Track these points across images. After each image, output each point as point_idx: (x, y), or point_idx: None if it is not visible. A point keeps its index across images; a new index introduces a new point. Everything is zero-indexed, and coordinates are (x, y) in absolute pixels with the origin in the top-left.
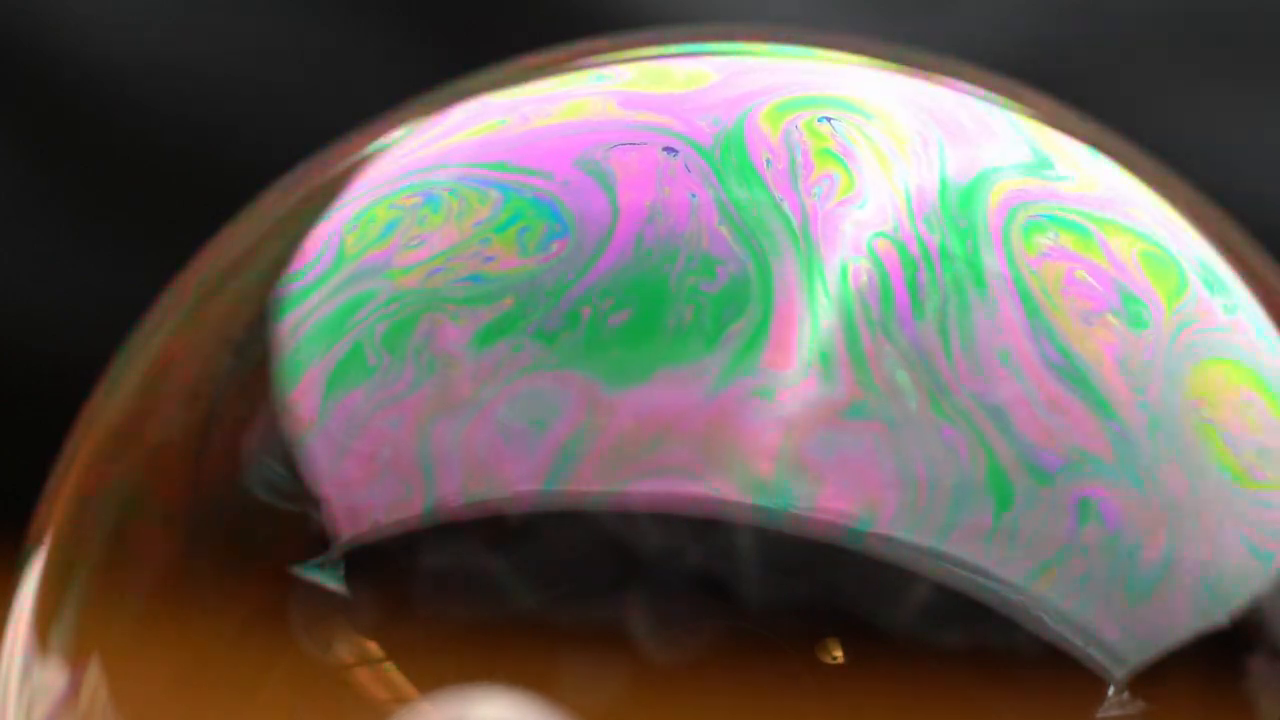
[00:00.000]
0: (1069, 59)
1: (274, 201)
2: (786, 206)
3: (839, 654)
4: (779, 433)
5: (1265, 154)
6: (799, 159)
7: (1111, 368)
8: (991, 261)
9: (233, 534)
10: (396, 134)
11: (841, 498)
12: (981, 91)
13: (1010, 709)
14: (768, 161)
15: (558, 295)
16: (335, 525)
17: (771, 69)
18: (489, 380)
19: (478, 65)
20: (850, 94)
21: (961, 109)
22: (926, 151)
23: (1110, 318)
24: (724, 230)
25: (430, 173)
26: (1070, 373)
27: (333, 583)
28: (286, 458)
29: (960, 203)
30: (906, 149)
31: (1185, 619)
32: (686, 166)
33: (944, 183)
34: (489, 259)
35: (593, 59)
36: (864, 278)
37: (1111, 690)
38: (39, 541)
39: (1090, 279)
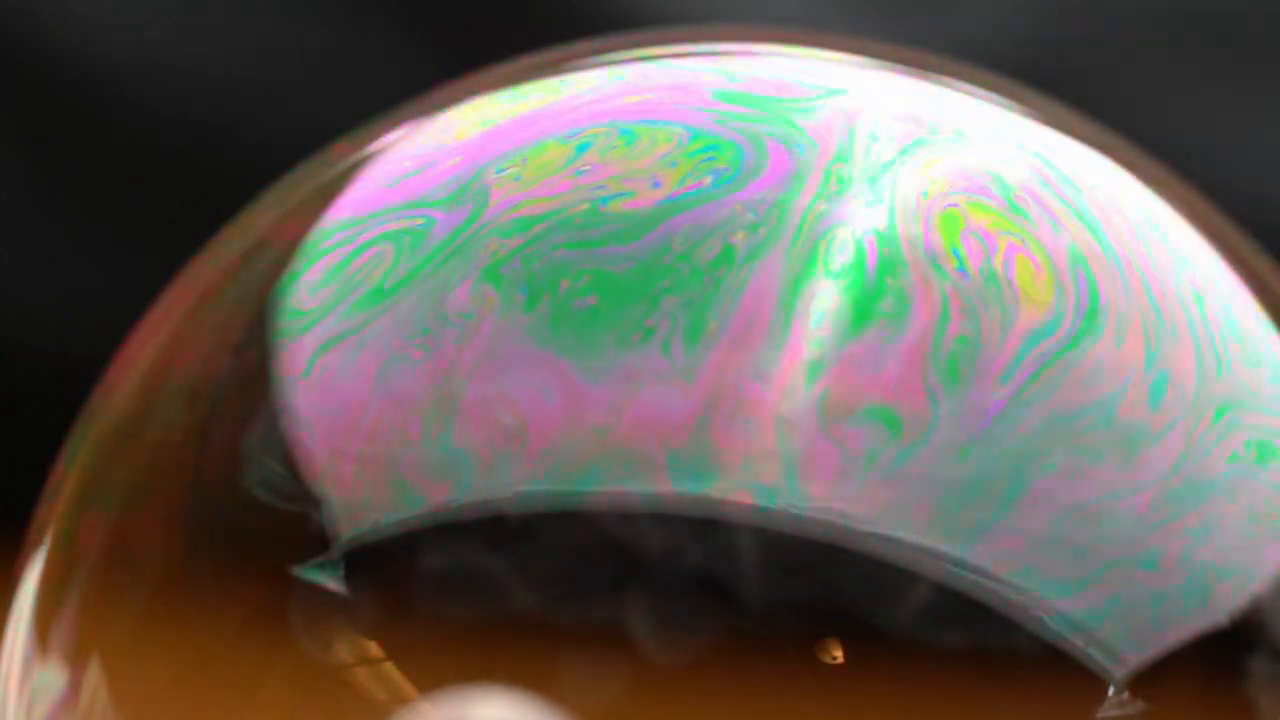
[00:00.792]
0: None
1: (276, 200)
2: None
3: (839, 654)
4: (780, 432)
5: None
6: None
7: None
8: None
9: (233, 534)
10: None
11: (841, 497)
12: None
13: (1010, 709)
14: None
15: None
16: (335, 525)
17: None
18: (489, 380)
19: (478, 65)
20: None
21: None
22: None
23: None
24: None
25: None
26: (1071, 373)
27: (332, 583)
28: (286, 457)
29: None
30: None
31: (1185, 619)
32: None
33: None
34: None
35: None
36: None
37: (1111, 690)
38: (39, 541)
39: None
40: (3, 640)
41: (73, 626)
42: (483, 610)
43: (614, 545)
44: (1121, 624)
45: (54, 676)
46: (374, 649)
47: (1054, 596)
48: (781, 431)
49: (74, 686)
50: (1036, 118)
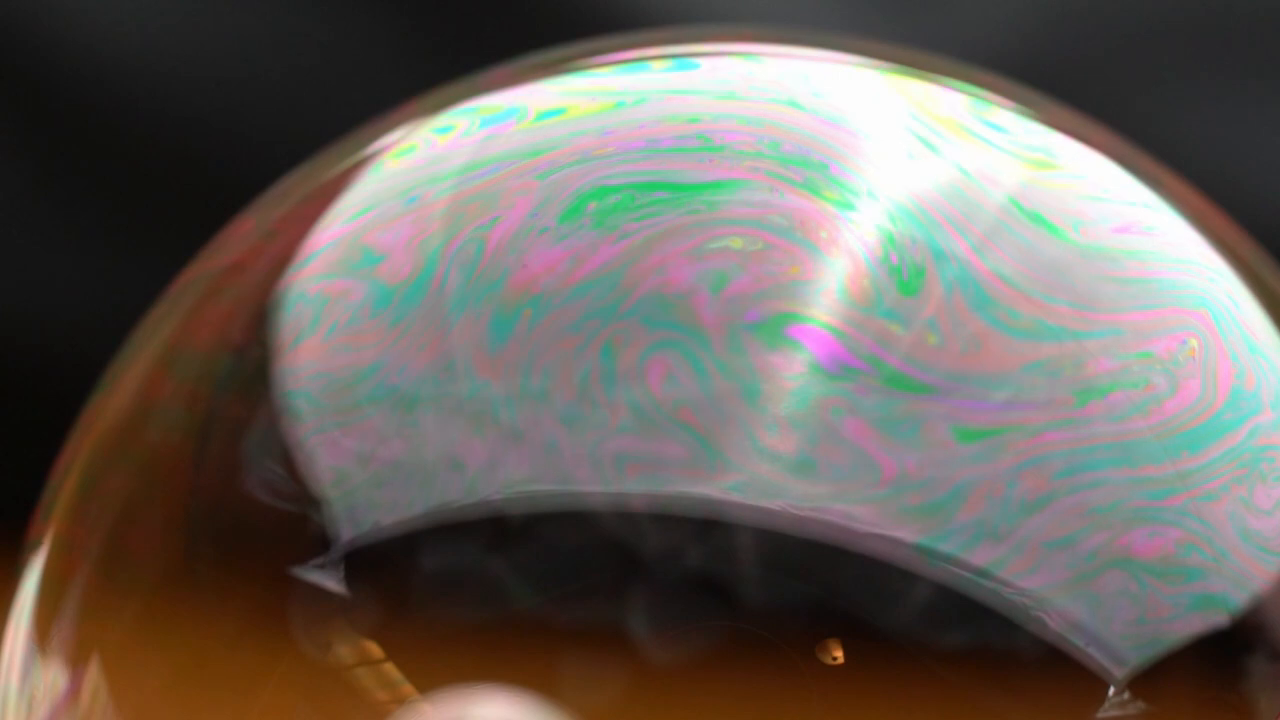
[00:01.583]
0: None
1: (276, 201)
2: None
3: (839, 654)
4: (780, 432)
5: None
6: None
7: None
8: (994, 264)
9: (232, 534)
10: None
11: (842, 497)
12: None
13: (1010, 709)
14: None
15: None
16: (335, 526)
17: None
18: (490, 380)
19: (478, 65)
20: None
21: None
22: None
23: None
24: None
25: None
26: (1072, 373)
27: (332, 583)
28: (286, 458)
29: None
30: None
31: (1185, 619)
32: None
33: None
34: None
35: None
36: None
37: (1111, 691)
38: (39, 542)
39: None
40: (3, 640)
41: (73, 626)
42: (483, 610)
43: (614, 545)
44: (1121, 624)
45: (54, 676)
46: (374, 649)
47: (1054, 596)
48: (782, 431)
49: (74, 686)
50: (1036, 118)
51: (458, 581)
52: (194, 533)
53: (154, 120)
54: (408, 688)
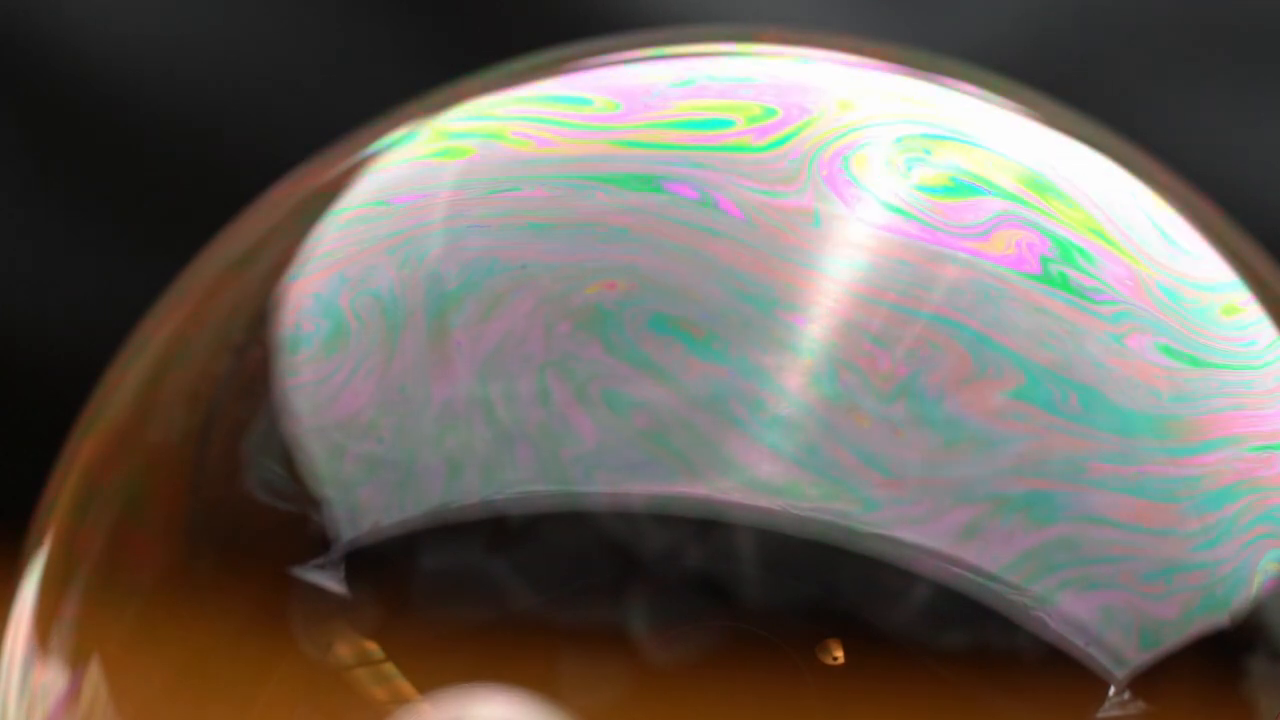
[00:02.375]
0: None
1: (275, 201)
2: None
3: (839, 654)
4: (780, 432)
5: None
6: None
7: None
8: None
9: (233, 535)
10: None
11: (842, 498)
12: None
13: (1010, 709)
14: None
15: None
16: (335, 526)
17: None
18: (490, 379)
19: (478, 65)
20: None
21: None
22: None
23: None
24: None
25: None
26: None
27: (332, 584)
28: (286, 458)
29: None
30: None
31: (1186, 619)
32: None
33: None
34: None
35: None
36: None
37: (1112, 691)
38: (39, 542)
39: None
40: (3, 640)
41: (73, 627)
42: (483, 610)
43: (614, 545)
44: (1121, 624)
45: (54, 677)
46: (374, 649)
47: (1054, 597)
48: (782, 431)
49: (74, 687)
50: (1036, 118)
51: (458, 582)
52: (194, 533)
53: (154, 120)
54: (408, 688)
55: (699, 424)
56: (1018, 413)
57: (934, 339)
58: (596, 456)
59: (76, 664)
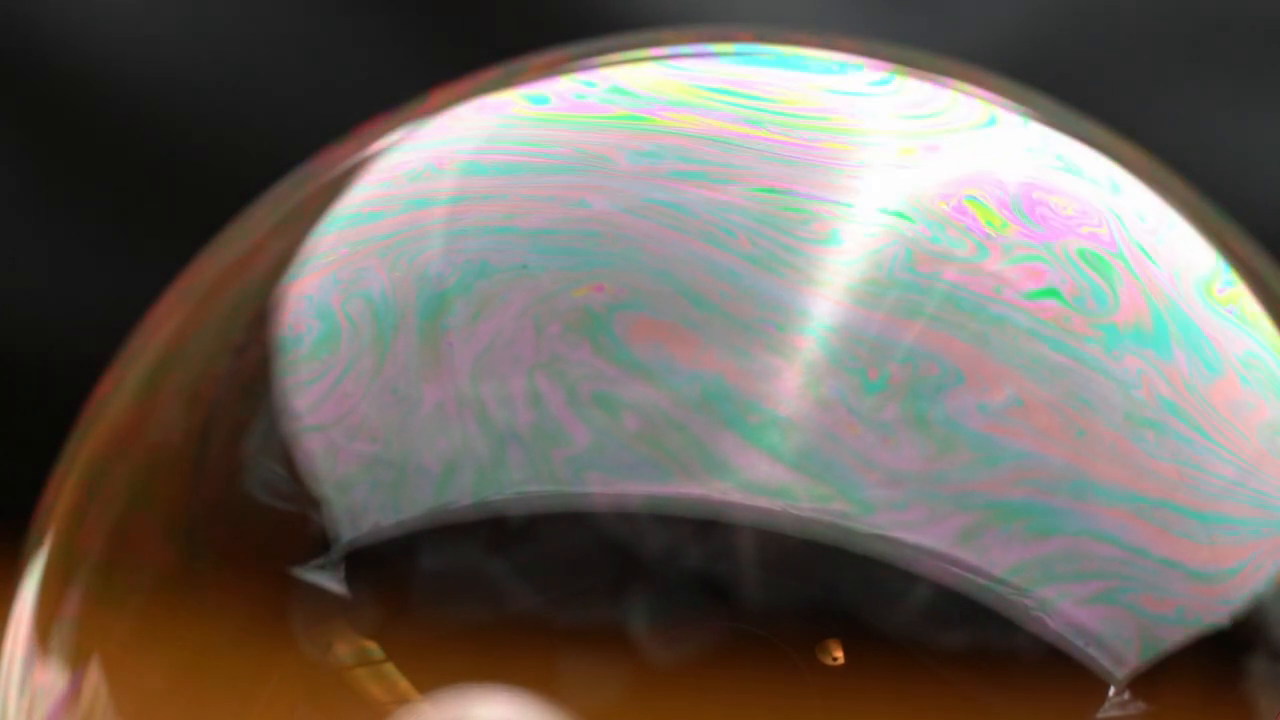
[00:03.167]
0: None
1: (275, 202)
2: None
3: (839, 655)
4: (780, 432)
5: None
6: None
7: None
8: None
9: (233, 535)
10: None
11: (842, 498)
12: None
13: (1010, 709)
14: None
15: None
16: (335, 526)
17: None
18: (490, 380)
19: (478, 65)
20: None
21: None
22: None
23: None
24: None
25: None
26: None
27: (333, 584)
28: (286, 459)
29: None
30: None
31: (1186, 620)
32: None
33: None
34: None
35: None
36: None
37: (1111, 691)
38: (39, 542)
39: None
40: (3, 640)
41: (73, 627)
42: (483, 610)
43: (614, 546)
44: (1121, 624)
45: (54, 677)
46: (374, 649)
47: (1054, 597)
48: (782, 432)
49: (74, 687)
50: (1036, 118)
51: (458, 582)
52: (194, 533)
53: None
54: (408, 688)
55: (699, 425)
56: (1019, 416)
57: (934, 340)
58: (596, 456)
59: (76, 664)
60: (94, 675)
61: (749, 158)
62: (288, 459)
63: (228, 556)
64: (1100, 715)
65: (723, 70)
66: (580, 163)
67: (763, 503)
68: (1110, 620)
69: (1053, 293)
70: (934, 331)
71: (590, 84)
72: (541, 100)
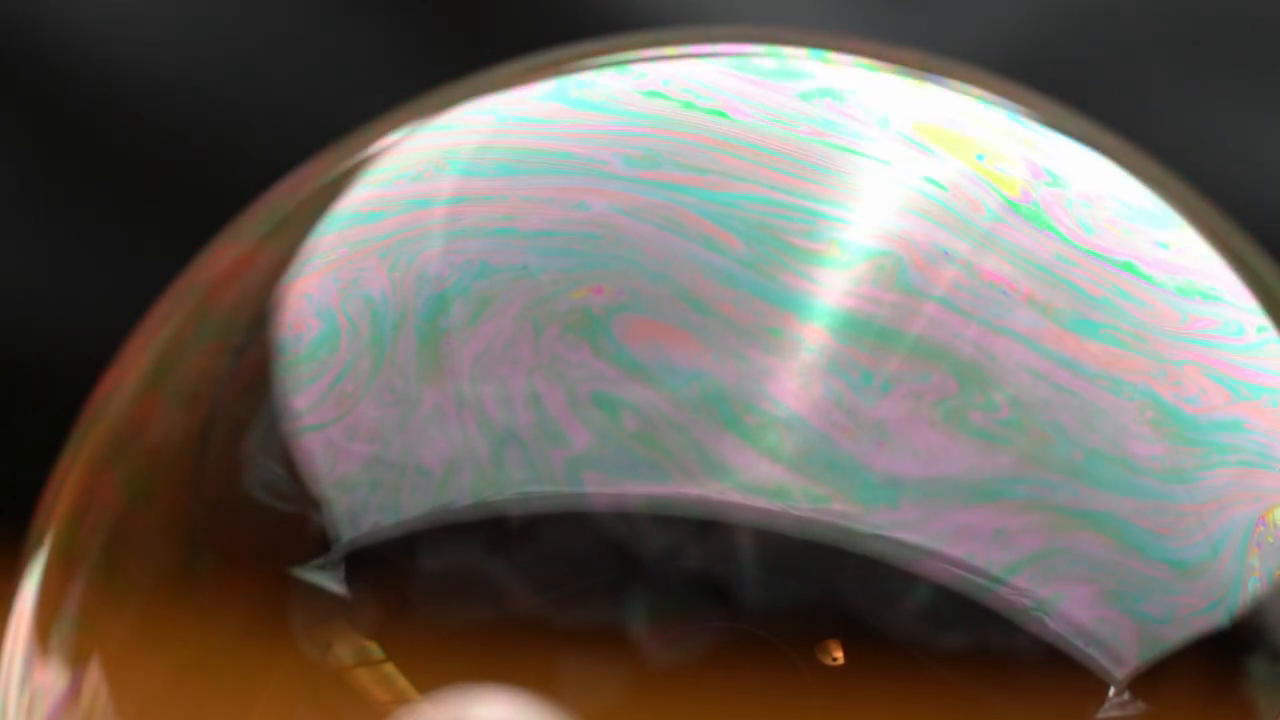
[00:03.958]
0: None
1: (275, 202)
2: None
3: (839, 654)
4: (779, 433)
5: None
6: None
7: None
8: (995, 267)
9: (233, 535)
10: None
11: (841, 498)
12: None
13: (1010, 709)
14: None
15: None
16: (335, 526)
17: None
18: (489, 380)
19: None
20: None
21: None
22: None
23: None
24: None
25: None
26: (1072, 373)
27: (333, 584)
28: (286, 459)
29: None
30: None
31: (1186, 620)
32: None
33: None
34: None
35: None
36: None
37: (1112, 691)
38: (39, 542)
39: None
40: (3, 641)
41: (73, 626)
42: (483, 610)
43: (614, 546)
44: (1122, 625)
45: (54, 677)
46: (374, 650)
47: (1054, 597)
48: (781, 432)
49: (74, 686)
50: (1036, 118)
51: (458, 582)
52: (194, 533)
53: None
54: (408, 687)
55: (698, 426)
56: (1018, 416)
57: (932, 341)
58: (596, 456)
59: (76, 664)
60: (94, 675)
61: (748, 160)
62: (288, 459)
63: (228, 556)
64: (1100, 715)
65: (721, 72)
66: (580, 164)
67: (762, 503)
68: (1110, 620)
69: (1052, 294)
70: (932, 332)
71: (590, 85)
72: (542, 101)
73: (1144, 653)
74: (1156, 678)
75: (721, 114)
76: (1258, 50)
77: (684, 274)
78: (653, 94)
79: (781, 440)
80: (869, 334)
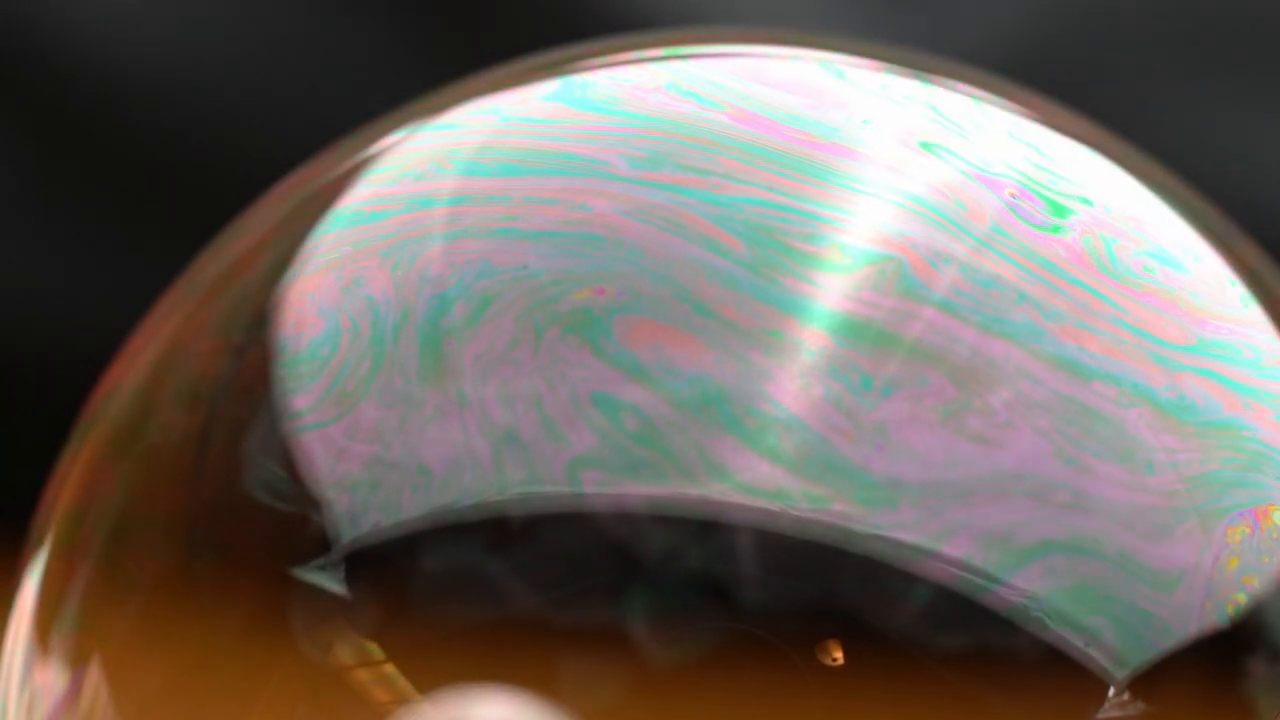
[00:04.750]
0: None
1: (275, 202)
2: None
3: (839, 654)
4: (779, 434)
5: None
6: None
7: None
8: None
9: (233, 535)
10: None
11: (841, 499)
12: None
13: (1010, 709)
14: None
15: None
16: (335, 527)
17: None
18: (490, 380)
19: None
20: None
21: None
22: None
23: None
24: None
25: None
26: (1071, 375)
27: (333, 584)
28: (286, 459)
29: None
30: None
31: (1186, 620)
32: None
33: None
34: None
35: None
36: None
37: (1111, 691)
38: (40, 542)
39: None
40: (3, 640)
41: (73, 626)
42: (483, 610)
43: (614, 546)
44: (1122, 625)
45: (55, 677)
46: (374, 650)
47: (1055, 597)
48: (781, 433)
49: (74, 687)
50: (1036, 118)
51: (458, 582)
52: (194, 532)
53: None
54: (408, 688)
55: (699, 427)
56: (1017, 417)
57: (932, 343)
58: (596, 457)
59: (76, 664)
60: (94, 675)
61: (749, 162)
62: (288, 459)
63: (228, 556)
64: (1100, 715)
65: (722, 73)
66: (582, 165)
67: (762, 504)
68: (1110, 620)
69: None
70: (932, 336)
71: (591, 85)
72: (544, 101)
73: (1144, 653)
74: (1156, 678)
75: (724, 115)
76: (1258, 50)
77: (685, 275)
78: (655, 95)
79: (781, 442)
80: (869, 337)
